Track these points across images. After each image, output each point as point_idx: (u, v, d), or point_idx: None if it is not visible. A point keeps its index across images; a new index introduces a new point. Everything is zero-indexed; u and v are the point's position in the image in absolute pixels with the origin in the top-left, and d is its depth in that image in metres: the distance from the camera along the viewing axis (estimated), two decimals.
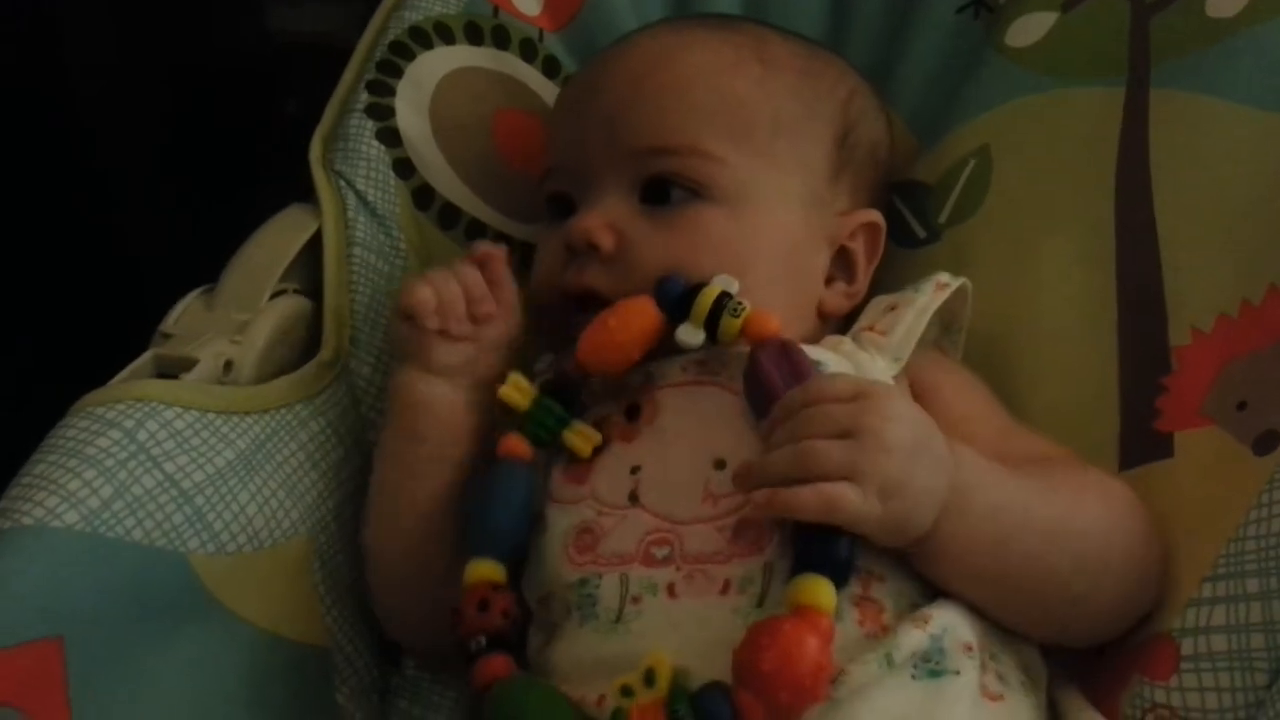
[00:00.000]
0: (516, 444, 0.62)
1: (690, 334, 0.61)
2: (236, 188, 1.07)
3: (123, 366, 0.66)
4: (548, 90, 0.84)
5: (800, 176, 0.69)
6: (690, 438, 0.60)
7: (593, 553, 0.59)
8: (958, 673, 0.53)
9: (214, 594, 0.60)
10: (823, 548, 0.52)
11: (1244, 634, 0.54)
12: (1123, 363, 0.66)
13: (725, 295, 0.60)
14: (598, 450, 0.62)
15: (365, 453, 0.72)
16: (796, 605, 0.51)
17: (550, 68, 0.85)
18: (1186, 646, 0.56)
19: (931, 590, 0.56)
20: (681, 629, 0.55)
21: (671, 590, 0.56)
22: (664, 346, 0.62)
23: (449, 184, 0.80)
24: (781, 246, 0.67)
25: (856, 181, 0.72)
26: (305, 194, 0.77)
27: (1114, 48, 0.73)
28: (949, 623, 0.54)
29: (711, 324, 0.60)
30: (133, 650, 0.56)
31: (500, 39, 0.84)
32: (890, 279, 0.72)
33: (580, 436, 0.62)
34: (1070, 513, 0.57)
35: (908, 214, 0.78)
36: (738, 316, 0.60)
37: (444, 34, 0.83)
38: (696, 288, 0.61)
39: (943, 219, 0.77)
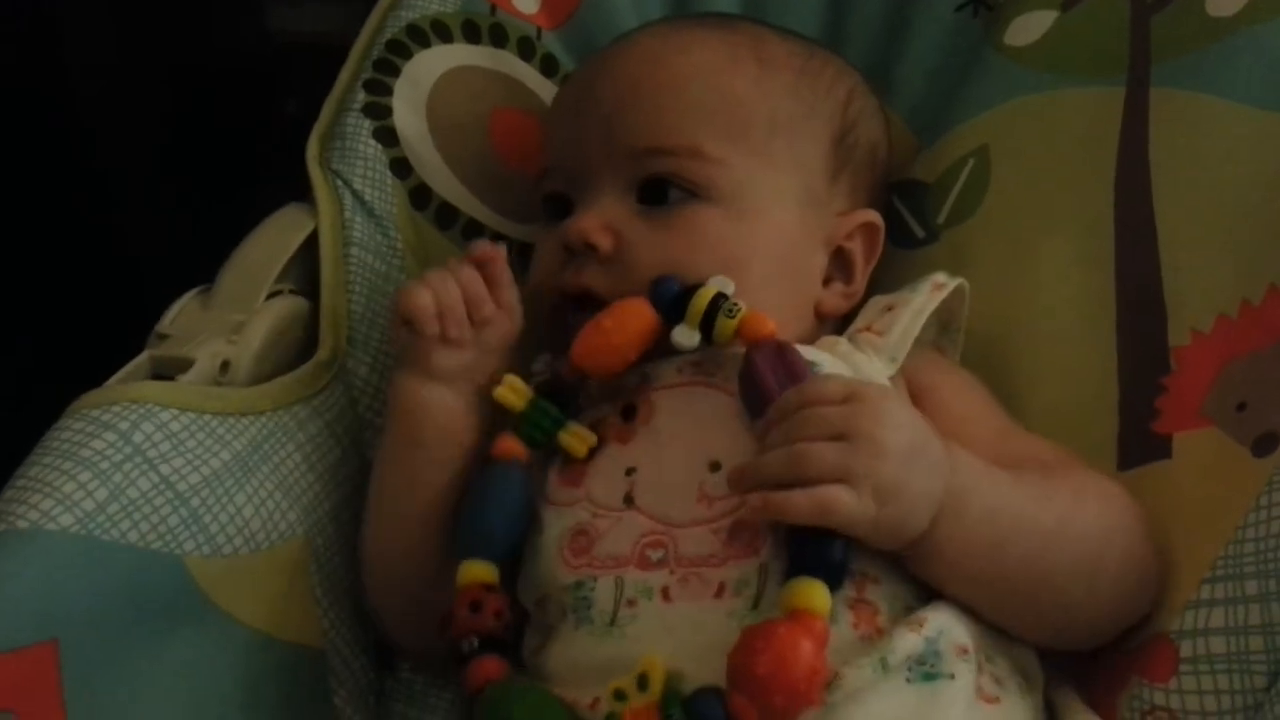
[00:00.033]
0: (511, 445, 0.62)
1: (685, 335, 0.60)
2: (236, 188, 1.07)
3: (122, 366, 0.66)
4: (545, 89, 0.84)
5: (798, 176, 0.68)
6: (685, 439, 0.60)
7: (588, 555, 0.59)
8: (952, 676, 0.52)
9: (209, 596, 0.60)
10: (817, 551, 0.52)
11: (1243, 636, 0.53)
12: (1122, 363, 0.66)
13: (721, 296, 0.60)
14: (593, 452, 0.62)
15: (362, 454, 0.72)
16: (791, 609, 0.51)
17: (548, 66, 0.85)
18: (1185, 648, 0.55)
19: (927, 592, 0.56)
20: (676, 632, 0.55)
21: (666, 594, 0.56)
22: (659, 348, 0.62)
23: (446, 183, 0.80)
24: (779, 247, 0.67)
25: (855, 181, 0.72)
26: (305, 194, 0.77)
27: (1114, 46, 0.73)
28: (944, 625, 0.54)
29: (707, 325, 0.60)
30: (128, 653, 0.56)
31: (498, 37, 0.84)
32: (889, 279, 0.72)
33: (575, 438, 0.62)
34: (1067, 516, 0.57)
35: (906, 214, 0.78)
36: (733, 317, 0.59)
37: (441, 32, 0.82)
38: (692, 289, 0.61)
39: (941, 219, 0.77)
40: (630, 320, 0.61)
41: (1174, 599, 0.58)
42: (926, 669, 0.52)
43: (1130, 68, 0.71)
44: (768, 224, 0.67)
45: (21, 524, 0.55)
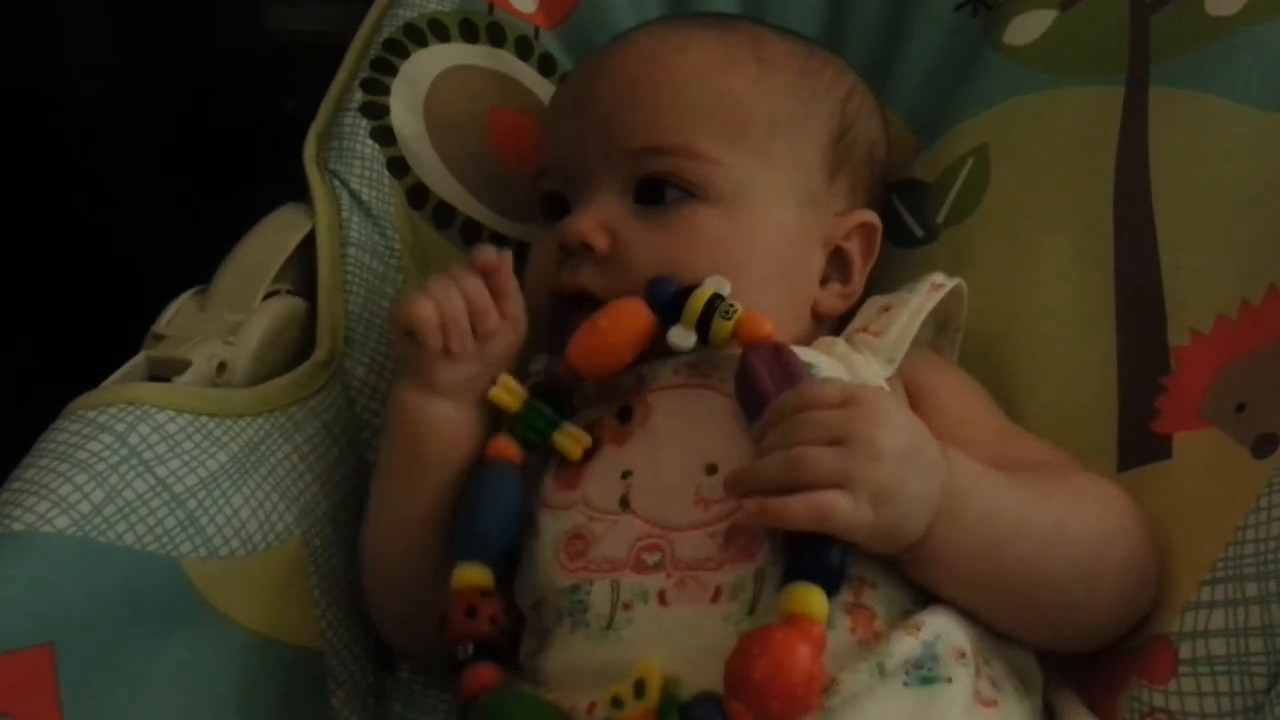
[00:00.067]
0: (505, 446, 0.62)
1: (682, 336, 0.60)
2: (236, 188, 1.06)
3: (122, 366, 0.66)
4: (543, 88, 0.84)
5: (796, 176, 0.68)
6: (682, 441, 0.60)
7: (584, 559, 0.59)
8: (950, 680, 0.52)
9: (206, 598, 0.60)
10: (814, 556, 0.52)
11: (1242, 638, 0.53)
12: (1121, 363, 0.65)
13: (717, 297, 0.60)
14: (589, 454, 0.61)
15: (360, 454, 0.72)
16: (788, 614, 0.50)
17: (546, 65, 0.85)
18: (1185, 650, 0.55)
19: (924, 596, 0.56)
20: (673, 637, 0.55)
21: (663, 598, 0.56)
22: (656, 349, 0.62)
23: (443, 183, 0.80)
24: (776, 247, 0.67)
25: (853, 181, 0.72)
26: (305, 194, 0.77)
27: (1113, 46, 0.72)
28: (942, 629, 0.54)
29: (703, 326, 0.60)
30: (124, 656, 0.56)
31: (495, 36, 0.84)
32: (888, 279, 0.72)
33: (570, 439, 0.62)
34: (1066, 518, 0.57)
35: (905, 213, 0.78)
36: (729, 319, 0.59)
37: (439, 31, 0.82)
38: (688, 289, 0.61)
39: (940, 218, 0.76)
40: (626, 320, 0.61)
41: (1173, 600, 0.57)
42: (924, 673, 0.52)
43: (1130, 67, 0.71)
44: (766, 224, 0.66)
45: (17, 526, 0.55)
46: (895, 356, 0.63)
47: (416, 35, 0.82)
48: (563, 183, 0.70)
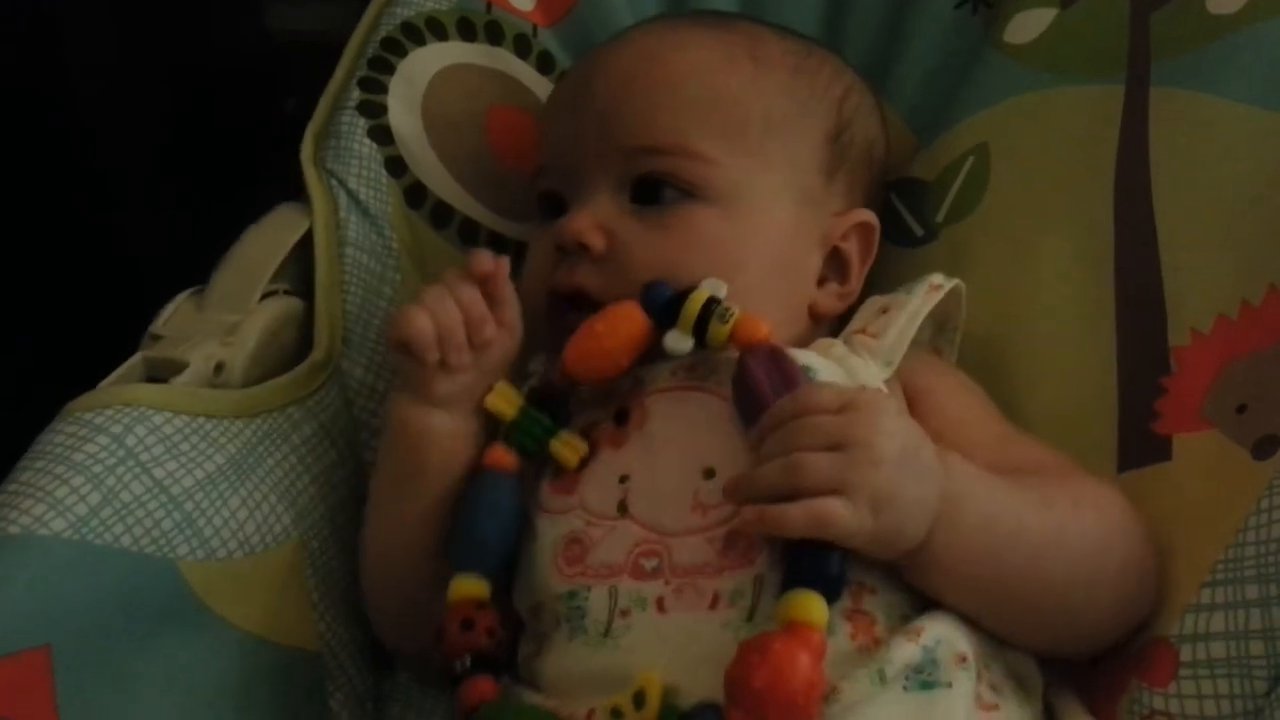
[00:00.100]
0: (502, 455, 0.61)
1: (678, 341, 0.59)
2: (236, 188, 1.06)
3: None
4: (542, 87, 0.83)
5: (793, 175, 0.68)
6: (679, 444, 0.59)
7: (581, 564, 0.58)
8: (950, 685, 0.52)
9: (203, 600, 0.60)
10: (814, 563, 0.51)
11: (1243, 641, 0.53)
12: (1121, 363, 0.65)
13: (713, 300, 0.59)
14: (586, 460, 0.61)
15: (358, 455, 0.72)
16: (788, 621, 0.50)
17: (544, 64, 0.85)
18: (1185, 653, 0.55)
19: (924, 601, 0.56)
20: (671, 643, 0.55)
21: (661, 605, 0.56)
22: (653, 352, 0.61)
23: (441, 182, 0.80)
24: (774, 247, 0.66)
25: (851, 181, 0.71)
26: (304, 193, 0.77)
27: (1113, 45, 0.72)
28: (942, 634, 0.54)
29: (700, 330, 0.59)
30: (121, 658, 0.56)
31: (494, 35, 0.83)
32: (888, 278, 0.72)
33: (568, 447, 0.61)
34: (1065, 522, 0.56)
35: (905, 212, 0.78)
36: (726, 322, 0.59)
37: (436, 30, 0.82)
38: (684, 293, 0.60)
39: (940, 217, 0.76)
40: (622, 325, 0.61)
41: (1174, 602, 0.57)
42: (924, 678, 0.52)
43: (1130, 66, 0.71)
44: (763, 224, 0.66)
45: (14, 529, 0.55)
46: (893, 359, 0.62)
47: (414, 34, 0.81)
48: (559, 182, 0.70)
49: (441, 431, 0.63)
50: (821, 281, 0.69)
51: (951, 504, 0.53)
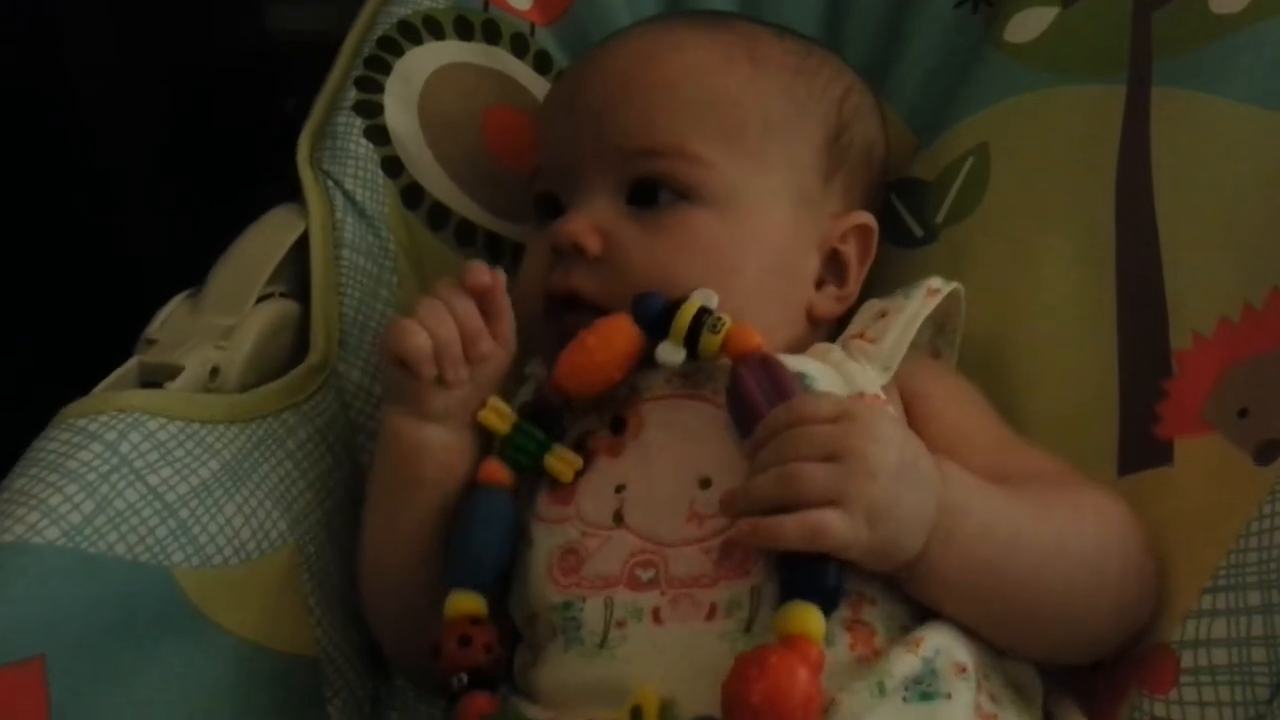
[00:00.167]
0: (496, 470, 0.61)
1: (670, 353, 0.59)
2: (236, 188, 1.06)
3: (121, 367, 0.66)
4: (539, 86, 0.83)
5: (791, 177, 0.67)
6: (674, 453, 0.59)
7: (577, 575, 0.58)
8: (949, 695, 0.51)
9: (199, 608, 0.59)
10: (810, 575, 0.51)
11: (1245, 647, 0.53)
12: (1122, 366, 0.65)
13: (704, 311, 0.59)
14: (581, 470, 0.60)
15: (355, 458, 0.71)
16: (785, 634, 0.50)
17: (542, 63, 0.84)
18: (1186, 659, 0.55)
19: (923, 611, 0.55)
20: (667, 654, 0.54)
21: (657, 615, 0.55)
22: (646, 362, 0.61)
23: (438, 182, 0.79)
24: (771, 249, 0.66)
25: (850, 182, 0.71)
26: (300, 194, 0.77)
27: (1115, 44, 0.71)
28: (942, 645, 0.53)
29: (692, 340, 0.59)
30: (116, 667, 0.56)
31: (490, 34, 0.83)
32: (887, 278, 0.71)
33: (562, 461, 0.61)
34: (1065, 530, 0.56)
35: (905, 212, 0.77)
36: (717, 332, 0.58)
37: (433, 29, 0.81)
38: (675, 304, 0.60)
39: (940, 218, 0.75)
40: (614, 338, 0.60)
41: (1174, 608, 0.57)
42: (924, 689, 0.51)
43: (1131, 65, 0.70)
44: (760, 226, 0.66)
45: (7, 538, 0.54)
46: (891, 364, 0.62)
47: (411, 32, 0.81)
48: (556, 183, 0.69)
49: (437, 445, 0.63)
50: (819, 284, 0.69)
51: (949, 514, 0.53)
